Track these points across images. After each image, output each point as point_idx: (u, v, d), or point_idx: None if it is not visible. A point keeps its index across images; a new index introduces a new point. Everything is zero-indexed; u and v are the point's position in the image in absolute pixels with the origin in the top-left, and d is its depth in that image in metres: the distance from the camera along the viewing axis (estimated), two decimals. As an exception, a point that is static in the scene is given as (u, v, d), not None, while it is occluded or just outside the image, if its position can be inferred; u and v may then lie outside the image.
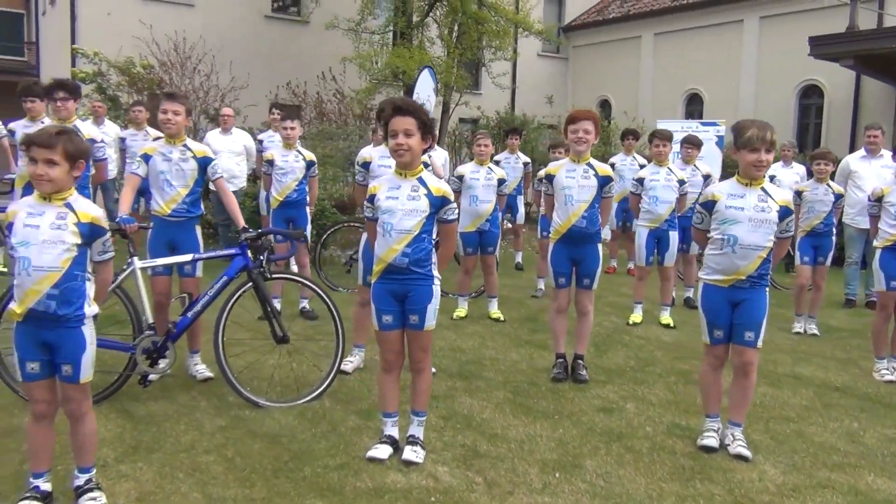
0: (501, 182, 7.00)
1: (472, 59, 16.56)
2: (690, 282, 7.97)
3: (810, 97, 16.88)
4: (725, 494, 3.50)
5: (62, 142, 2.94)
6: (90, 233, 3.02)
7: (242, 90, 14.19)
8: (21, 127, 6.79)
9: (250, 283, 4.46)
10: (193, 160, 4.71)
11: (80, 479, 3.17)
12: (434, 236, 3.72)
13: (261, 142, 9.47)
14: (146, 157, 4.70)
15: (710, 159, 11.02)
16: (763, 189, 3.84)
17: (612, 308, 7.59)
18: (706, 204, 3.95)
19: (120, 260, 3.71)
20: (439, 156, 7.78)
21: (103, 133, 7.78)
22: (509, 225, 9.80)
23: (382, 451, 3.71)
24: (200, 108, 13.01)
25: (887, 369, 5.57)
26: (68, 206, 3.00)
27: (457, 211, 3.77)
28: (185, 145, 4.72)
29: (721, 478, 3.67)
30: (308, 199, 6.80)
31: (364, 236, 5.01)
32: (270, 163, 6.67)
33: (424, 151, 3.71)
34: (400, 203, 3.60)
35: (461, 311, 6.99)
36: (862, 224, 7.90)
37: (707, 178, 7.75)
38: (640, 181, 6.95)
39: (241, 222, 4.74)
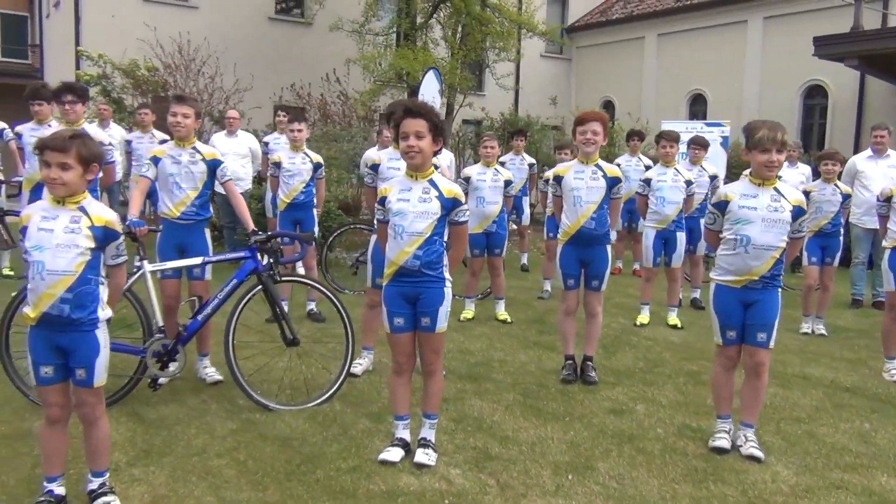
0: (508, 183, 7.01)
1: (475, 60, 16.57)
2: (697, 283, 7.97)
3: (814, 97, 16.86)
4: (739, 496, 3.49)
5: (76, 145, 2.94)
6: (104, 236, 3.02)
7: (246, 92, 14.21)
8: (28, 130, 6.81)
9: (260, 286, 4.46)
10: (203, 163, 4.72)
11: (94, 483, 3.17)
12: (444, 238, 3.72)
13: (266, 144, 9.49)
14: (155, 160, 4.70)
15: (715, 160, 11.00)
16: (776, 189, 3.84)
17: (619, 309, 7.58)
18: (718, 204, 3.94)
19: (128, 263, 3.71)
20: (444, 158, 7.75)
21: (109, 136, 7.78)
22: (514, 226, 9.80)
23: (394, 454, 3.70)
24: (205, 111, 13.02)
25: (897, 369, 5.56)
26: (82, 209, 3.00)
27: (468, 213, 3.76)
28: (194, 148, 4.73)
29: (734, 479, 3.66)
30: (315, 201, 6.80)
31: (373, 238, 5.00)
32: (278, 165, 6.67)
33: (435, 154, 3.70)
34: (411, 205, 3.59)
35: (468, 312, 6.99)
36: (868, 224, 7.89)
37: (714, 178, 7.75)
38: (648, 182, 6.95)
39: (251, 225, 4.74)
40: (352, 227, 8.85)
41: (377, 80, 15.23)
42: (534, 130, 16.43)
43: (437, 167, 3.75)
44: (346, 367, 4.60)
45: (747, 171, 3.99)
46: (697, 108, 19.04)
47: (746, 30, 17.73)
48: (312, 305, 6.78)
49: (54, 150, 2.92)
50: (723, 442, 3.98)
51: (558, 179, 5.12)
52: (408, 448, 3.77)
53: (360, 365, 5.12)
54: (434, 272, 3.62)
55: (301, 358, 4.88)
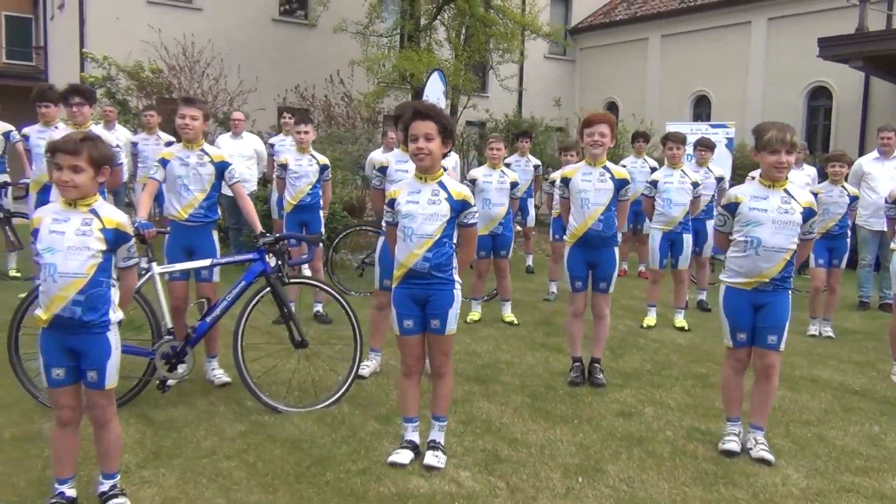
0: (514, 185, 7.00)
1: (479, 61, 16.57)
2: (703, 285, 7.95)
3: (819, 99, 16.84)
4: (750, 499, 3.48)
5: (87, 148, 2.94)
6: (115, 239, 3.02)
7: (250, 94, 14.22)
8: (35, 132, 6.81)
9: (268, 288, 4.46)
10: (211, 165, 4.72)
11: (105, 485, 3.17)
12: (454, 240, 3.71)
13: (272, 146, 9.49)
14: (164, 162, 4.71)
15: (720, 161, 10.98)
16: (786, 191, 3.83)
17: (625, 311, 7.57)
18: (728, 206, 3.93)
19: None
20: (450, 159, 7.77)
21: (115, 138, 7.80)
22: (519, 228, 9.79)
23: (404, 457, 3.69)
24: (209, 113, 13.03)
25: (906, 372, 5.54)
26: (93, 212, 3.00)
27: (477, 215, 3.75)
28: (202, 150, 4.73)
29: (744, 482, 3.65)
30: (322, 202, 6.80)
31: (381, 240, 5.00)
32: (284, 167, 6.67)
33: (444, 156, 3.70)
34: (420, 207, 3.59)
35: (475, 314, 6.99)
36: (875, 226, 7.88)
37: (720, 180, 7.75)
38: (654, 184, 6.93)
39: (259, 227, 4.74)
40: (357, 228, 8.84)
41: (381, 82, 15.23)
42: (538, 132, 16.43)
43: (445, 169, 3.75)
44: (355, 369, 4.60)
45: (754, 173, 3.98)
46: (701, 109, 19.02)
47: (750, 31, 17.72)
48: (319, 307, 6.78)
49: (66, 152, 2.92)
50: (732, 445, 3.97)
51: (566, 181, 5.11)
52: (417, 450, 3.76)
53: (368, 367, 5.12)
54: (444, 274, 3.62)
55: (309, 360, 4.88)
